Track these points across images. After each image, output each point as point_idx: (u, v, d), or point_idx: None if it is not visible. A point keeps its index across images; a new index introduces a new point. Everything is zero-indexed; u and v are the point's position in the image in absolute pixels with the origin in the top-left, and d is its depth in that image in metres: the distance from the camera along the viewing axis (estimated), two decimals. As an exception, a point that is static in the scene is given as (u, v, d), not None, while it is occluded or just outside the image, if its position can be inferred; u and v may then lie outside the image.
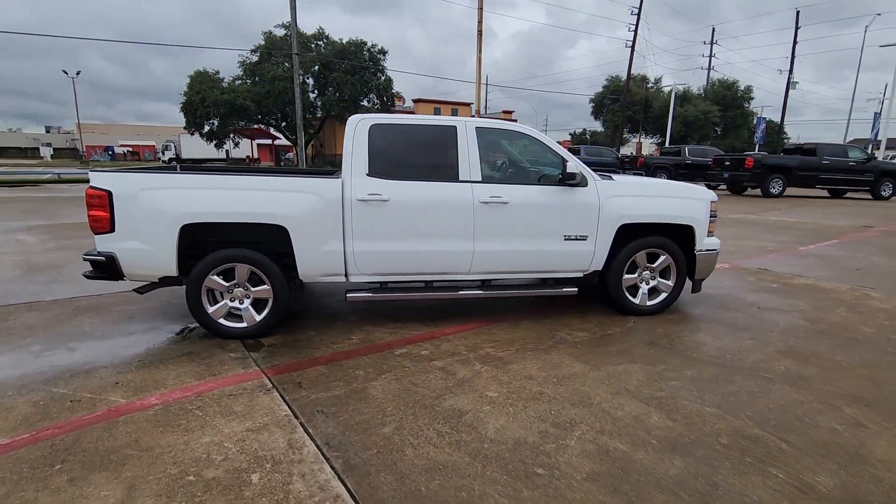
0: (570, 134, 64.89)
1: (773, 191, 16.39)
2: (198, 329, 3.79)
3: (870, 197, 16.94)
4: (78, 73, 48.22)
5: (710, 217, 4.31)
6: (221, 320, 3.64)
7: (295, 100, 22.32)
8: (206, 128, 32.49)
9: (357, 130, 3.75)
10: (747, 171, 16.54)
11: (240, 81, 31.40)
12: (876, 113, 35.11)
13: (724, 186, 18.93)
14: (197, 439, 2.38)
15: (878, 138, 30.18)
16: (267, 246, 3.64)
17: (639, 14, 35.47)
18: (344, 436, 2.43)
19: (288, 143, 38.08)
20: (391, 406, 2.73)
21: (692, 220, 4.21)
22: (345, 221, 3.63)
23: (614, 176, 4.39)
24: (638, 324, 4.13)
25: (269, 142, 41.85)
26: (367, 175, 3.69)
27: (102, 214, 3.37)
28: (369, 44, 31.47)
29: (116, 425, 2.50)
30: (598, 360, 3.36)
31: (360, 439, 2.40)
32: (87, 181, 3.45)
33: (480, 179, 3.85)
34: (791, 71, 38.81)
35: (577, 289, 4.18)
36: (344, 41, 31.39)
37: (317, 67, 31.16)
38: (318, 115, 34.05)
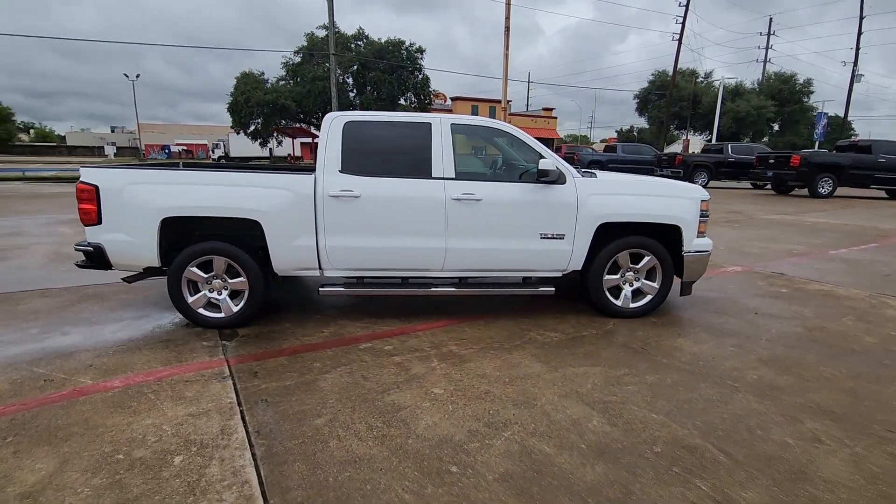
0: (616, 131, 63.25)
1: (821, 191, 15.24)
2: (182, 318, 3.98)
3: (934, 198, 15.63)
4: (138, 76, 51.70)
5: (702, 217, 4.11)
6: (201, 310, 3.80)
7: (332, 99, 22.88)
8: (252, 127, 33.76)
9: (331, 128, 3.82)
10: (793, 169, 15.42)
11: (283, 82, 32.40)
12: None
13: (769, 186, 17.93)
14: (140, 421, 2.51)
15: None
16: (244, 240, 3.78)
17: (687, 5, 34.08)
18: (277, 425, 2.50)
19: (328, 141, 38.84)
20: (334, 398, 2.78)
21: (679, 219, 4.03)
22: (317, 217, 3.71)
23: (598, 173, 4.26)
24: (618, 326, 4.00)
25: (309, 140, 43.01)
26: (340, 172, 3.75)
27: (90, 207, 3.60)
28: (407, 42, 31.76)
29: (75, 405, 2.67)
30: (559, 362, 3.29)
31: (290, 429, 2.46)
32: None
33: (454, 176, 3.84)
34: (856, 63, 36.21)
35: (554, 289, 4.08)
36: (382, 41, 31.81)
37: (356, 67, 31.72)
38: (357, 113, 34.60)
